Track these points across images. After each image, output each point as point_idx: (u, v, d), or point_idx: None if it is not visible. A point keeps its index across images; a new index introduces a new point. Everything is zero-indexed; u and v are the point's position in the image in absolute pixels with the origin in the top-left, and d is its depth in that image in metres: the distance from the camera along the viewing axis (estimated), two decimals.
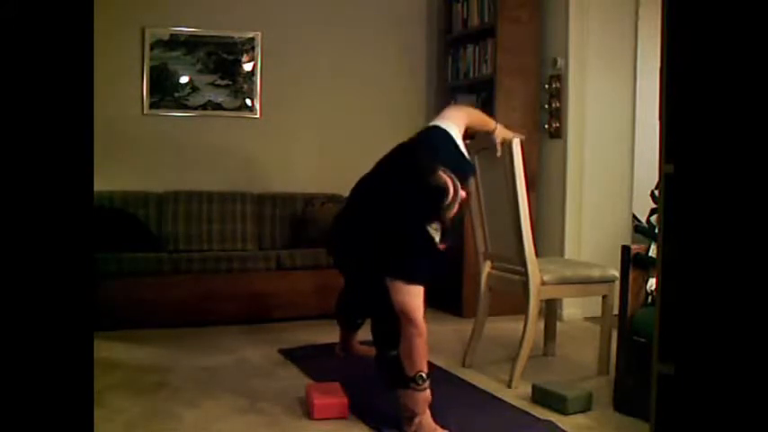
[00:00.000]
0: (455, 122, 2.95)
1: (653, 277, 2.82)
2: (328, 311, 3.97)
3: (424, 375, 2.57)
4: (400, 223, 2.64)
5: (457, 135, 2.91)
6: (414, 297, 2.57)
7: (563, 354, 3.79)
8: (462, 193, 2.61)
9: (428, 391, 2.59)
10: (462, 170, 2.82)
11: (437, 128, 2.90)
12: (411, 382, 2.56)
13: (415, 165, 2.64)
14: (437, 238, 2.69)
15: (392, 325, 2.62)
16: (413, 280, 2.59)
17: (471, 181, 3.42)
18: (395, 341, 2.63)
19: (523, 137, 3.22)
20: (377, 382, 2.89)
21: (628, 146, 4.80)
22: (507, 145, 3.14)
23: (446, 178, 2.55)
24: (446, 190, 2.54)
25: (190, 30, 4.98)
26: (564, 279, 3.27)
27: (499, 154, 3.19)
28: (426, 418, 2.59)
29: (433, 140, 2.85)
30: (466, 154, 2.95)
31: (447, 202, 2.56)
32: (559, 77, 4.68)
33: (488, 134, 3.20)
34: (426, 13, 5.57)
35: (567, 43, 4.62)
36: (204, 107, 5.05)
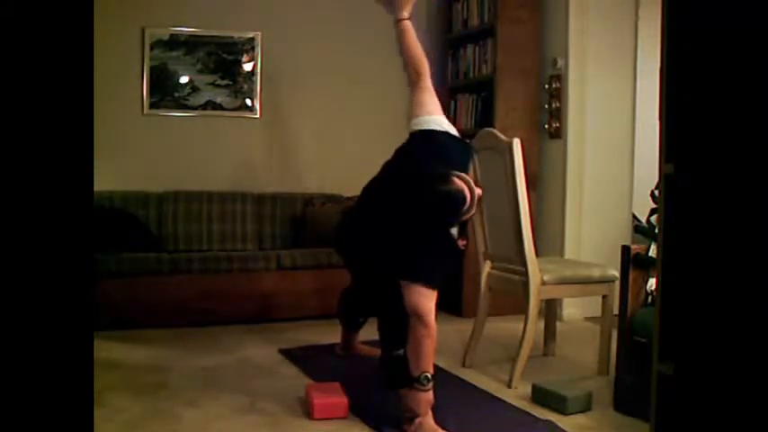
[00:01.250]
0: (429, 111, 2.92)
1: (653, 277, 2.82)
2: (328, 311, 3.97)
3: (429, 376, 2.57)
4: (423, 228, 2.64)
5: (443, 122, 2.90)
6: (428, 299, 2.58)
7: (563, 354, 3.79)
8: (478, 191, 2.62)
9: (431, 393, 2.59)
10: (466, 160, 2.82)
11: (425, 132, 2.88)
12: (416, 382, 2.56)
13: (430, 176, 2.63)
14: (456, 235, 2.70)
15: (400, 324, 2.62)
16: (430, 283, 2.59)
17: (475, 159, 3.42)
18: (402, 340, 2.63)
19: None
20: (377, 382, 2.89)
21: (628, 145, 4.81)
22: (507, 145, 3.14)
23: (462, 185, 2.55)
24: (464, 197, 2.55)
25: (190, 30, 4.98)
26: (564, 279, 3.27)
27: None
28: (428, 419, 2.59)
29: (432, 144, 2.84)
30: (458, 135, 2.93)
31: (466, 207, 2.57)
32: (559, 77, 4.68)
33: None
34: (426, 12, 5.57)
35: (566, 43, 4.62)
36: (204, 107, 5.05)
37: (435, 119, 2.89)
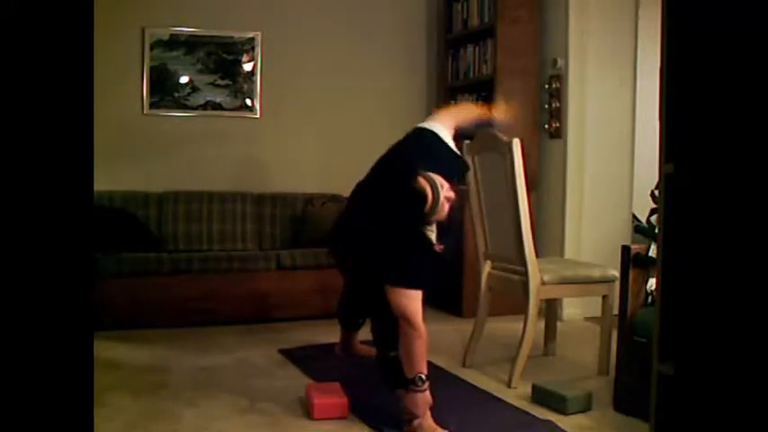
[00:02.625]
0: (442, 123, 2.97)
1: (653, 277, 2.82)
2: (328, 311, 3.97)
3: (423, 377, 2.57)
4: (394, 227, 2.65)
5: (446, 135, 2.92)
6: (412, 300, 2.57)
7: (563, 354, 3.79)
8: (450, 194, 2.60)
9: (428, 393, 2.59)
10: (452, 169, 2.82)
11: (425, 129, 2.92)
12: (410, 383, 2.56)
13: (399, 170, 2.65)
14: (433, 239, 2.69)
15: (391, 326, 2.62)
16: (410, 285, 2.59)
17: (467, 177, 3.46)
18: (394, 342, 2.63)
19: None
20: (377, 382, 2.89)
21: (628, 146, 4.80)
22: (507, 145, 3.14)
23: (425, 184, 2.54)
24: (424, 197, 2.53)
25: (190, 30, 4.98)
26: (564, 279, 3.27)
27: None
28: (427, 419, 2.59)
29: (423, 142, 2.86)
30: (456, 151, 2.95)
31: (427, 208, 2.55)
32: (559, 77, 4.68)
33: (485, 121, 3.20)
34: (426, 13, 5.58)
35: (566, 43, 4.62)
36: (204, 107, 5.05)
37: (440, 128, 2.92)
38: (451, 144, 2.92)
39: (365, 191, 2.88)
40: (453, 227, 2.88)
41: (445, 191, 2.57)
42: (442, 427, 2.58)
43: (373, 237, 2.69)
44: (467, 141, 3.53)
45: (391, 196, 2.65)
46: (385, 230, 2.65)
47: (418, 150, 2.82)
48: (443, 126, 2.95)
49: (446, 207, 2.60)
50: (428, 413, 2.59)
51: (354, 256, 2.91)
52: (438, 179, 2.56)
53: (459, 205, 2.79)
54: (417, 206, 2.55)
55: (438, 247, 2.71)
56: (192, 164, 5.01)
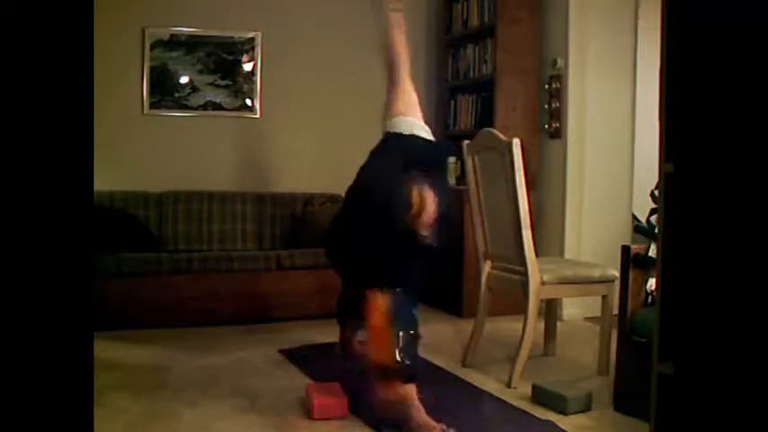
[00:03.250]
0: (405, 110, 2.93)
1: (653, 277, 2.82)
2: (328, 311, 3.97)
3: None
4: (388, 231, 2.64)
5: (417, 126, 2.89)
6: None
7: (563, 354, 3.79)
8: (430, 205, 2.59)
9: (405, 386, 2.57)
10: (439, 160, 2.80)
11: (399, 137, 2.89)
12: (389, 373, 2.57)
13: (381, 177, 2.65)
14: (431, 236, 2.69)
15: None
16: (406, 286, 2.61)
17: (467, 177, 3.47)
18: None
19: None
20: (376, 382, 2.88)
21: (628, 146, 4.81)
22: (507, 145, 3.14)
23: (417, 197, 2.53)
24: (408, 203, 2.52)
25: (190, 30, 4.98)
26: (564, 279, 3.27)
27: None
28: (420, 414, 2.56)
29: (403, 152, 2.85)
30: (428, 134, 2.92)
31: (417, 223, 2.55)
32: (559, 77, 4.68)
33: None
34: (426, 12, 5.58)
35: (567, 43, 4.62)
36: (204, 107, 5.05)
37: (402, 121, 2.89)
38: (424, 132, 2.90)
39: (355, 196, 2.87)
40: (443, 222, 2.86)
41: (429, 203, 2.57)
42: (438, 421, 2.56)
43: (369, 240, 2.69)
44: (466, 141, 3.53)
45: (386, 202, 2.63)
46: (380, 234, 2.65)
47: (391, 159, 2.80)
48: (411, 117, 2.92)
49: (431, 214, 2.59)
50: (421, 408, 2.58)
51: (351, 258, 2.91)
52: (423, 187, 2.56)
53: (454, 203, 2.79)
54: (397, 212, 2.55)
55: (434, 241, 2.71)
56: (192, 164, 5.01)
